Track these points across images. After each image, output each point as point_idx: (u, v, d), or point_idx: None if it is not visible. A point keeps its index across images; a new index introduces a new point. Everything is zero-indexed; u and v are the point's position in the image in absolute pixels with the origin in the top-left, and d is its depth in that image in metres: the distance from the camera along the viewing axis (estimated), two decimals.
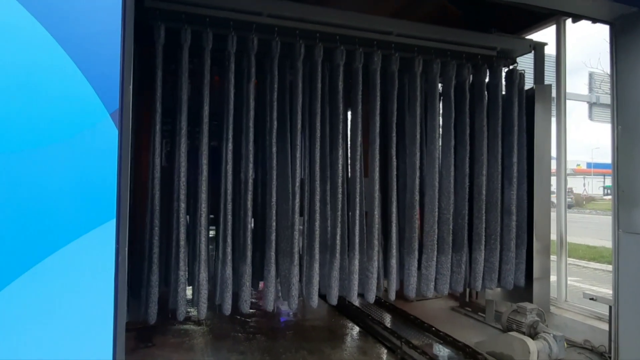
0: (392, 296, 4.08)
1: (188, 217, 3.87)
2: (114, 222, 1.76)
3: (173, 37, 3.47)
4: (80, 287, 1.72)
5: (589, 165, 38.70)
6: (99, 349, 1.80)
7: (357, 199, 3.93)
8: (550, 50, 4.95)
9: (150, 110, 3.46)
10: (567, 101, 4.98)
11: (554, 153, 4.80)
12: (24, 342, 1.70)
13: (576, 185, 36.94)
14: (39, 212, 1.66)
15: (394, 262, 4.02)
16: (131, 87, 1.97)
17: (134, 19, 2.04)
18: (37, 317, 1.71)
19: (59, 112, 1.70)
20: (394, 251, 4.04)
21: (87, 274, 1.72)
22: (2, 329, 1.66)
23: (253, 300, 5.40)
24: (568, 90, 4.98)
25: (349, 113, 4.16)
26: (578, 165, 38.27)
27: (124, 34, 1.91)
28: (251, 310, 5.23)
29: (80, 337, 1.76)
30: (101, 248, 1.73)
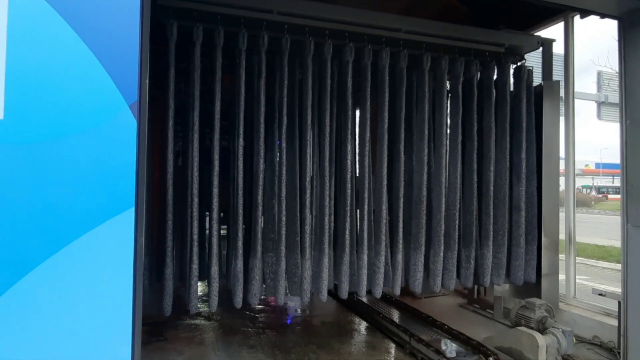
0: (397, 291, 4.11)
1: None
2: (132, 210, 1.82)
3: (185, 35, 3.54)
4: (101, 272, 1.79)
5: (597, 165, 38.33)
6: (118, 334, 1.86)
7: (366, 195, 3.97)
8: (559, 49, 4.96)
9: (163, 106, 3.52)
10: (576, 100, 4.97)
11: (562, 152, 4.80)
12: (46, 325, 1.77)
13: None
14: (65, 199, 1.74)
15: (399, 257, 4.05)
16: (147, 80, 2.05)
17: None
18: (59, 302, 1.77)
19: (82, 103, 1.78)
20: (400, 246, 4.07)
21: (107, 258, 1.79)
22: (26, 312, 1.72)
23: (263, 296, 5.48)
24: (577, 89, 4.96)
25: (358, 109, 4.21)
26: (586, 165, 37.92)
27: (142, 31, 1.98)
28: (260, 306, 5.30)
29: (100, 320, 1.83)
30: (121, 235, 1.80)
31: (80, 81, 1.79)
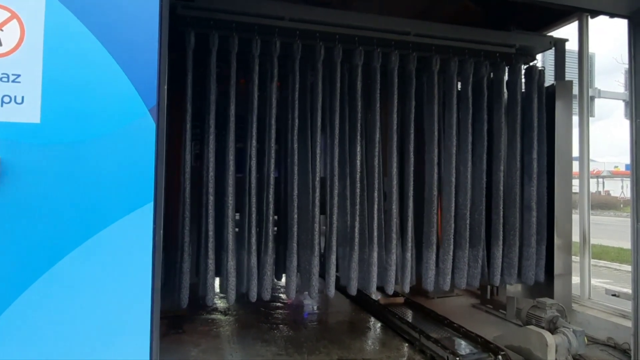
0: (407, 289, 4.20)
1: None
2: (152, 204, 2.00)
3: (202, 42, 3.74)
4: (122, 260, 1.97)
5: (627, 167, 36.85)
6: (137, 322, 2.04)
7: (375, 194, 4.08)
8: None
9: (181, 110, 3.73)
10: (604, 100, 4.94)
11: (576, 152, 4.77)
12: (74, 309, 1.95)
13: (614, 188, 35.43)
14: (93, 193, 1.95)
15: (409, 255, 4.13)
16: (166, 86, 2.23)
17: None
18: (87, 288, 1.96)
19: (107, 108, 1.99)
20: (410, 245, 4.15)
21: (129, 248, 1.98)
22: (57, 296, 1.92)
23: (278, 294, 5.64)
24: (604, 88, 4.94)
25: (368, 111, 4.31)
26: (616, 167, 36.61)
27: (161, 40, 2.16)
28: (274, 303, 5.46)
29: (122, 307, 2.01)
30: (141, 227, 1.98)
31: (105, 88, 1.99)
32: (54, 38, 1.98)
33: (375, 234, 4.06)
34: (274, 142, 3.85)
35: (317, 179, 3.95)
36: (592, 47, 4.89)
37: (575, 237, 4.76)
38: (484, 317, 5.07)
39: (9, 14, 1.96)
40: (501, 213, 4.31)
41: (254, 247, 3.79)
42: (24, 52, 1.96)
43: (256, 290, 3.81)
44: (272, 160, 3.84)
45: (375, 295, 5.52)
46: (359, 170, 4.03)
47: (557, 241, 4.55)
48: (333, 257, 3.91)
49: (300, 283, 4.00)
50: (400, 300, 5.46)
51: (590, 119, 4.79)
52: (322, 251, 4.12)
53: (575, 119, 4.86)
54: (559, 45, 4.76)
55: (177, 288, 3.69)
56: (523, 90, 4.55)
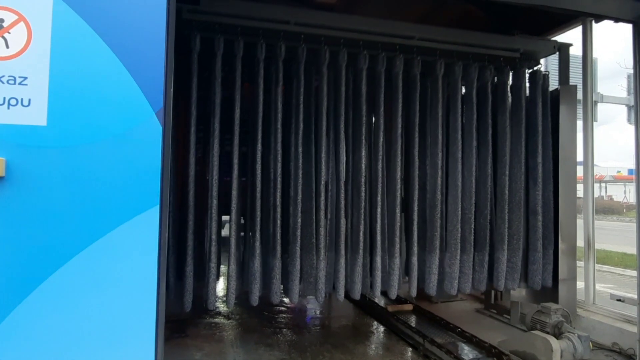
0: (413, 293, 4.18)
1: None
2: (158, 208, 1.99)
3: (207, 46, 3.75)
4: (128, 263, 1.96)
5: (630, 172, 36.81)
6: (142, 324, 2.02)
7: (379, 198, 4.07)
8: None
9: (186, 113, 3.73)
10: (608, 105, 4.92)
11: (580, 157, 4.75)
12: (78, 312, 1.94)
13: (616, 192, 35.39)
14: (99, 196, 1.94)
15: (415, 260, 4.12)
16: (172, 89, 2.23)
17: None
18: (93, 290, 1.95)
19: (114, 110, 1.98)
20: (415, 249, 4.14)
21: (135, 251, 1.97)
22: (62, 300, 1.91)
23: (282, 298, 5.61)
24: (609, 93, 4.91)
25: (372, 115, 4.32)
26: (619, 172, 36.55)
27: (167, 44, 2.16)
28: (278, 307, 5.44)
29: (127, 310, 2.00)
30: (147, 230, 1.97)
31: (112, 90, 1.99)
32: (61, 41, 1.98)
33: (379, 238, 4.05)
34: (280, 146, 3.85)
35: (322, 182, 3.94)
36: (594, 51, 4.87)
37: (580, 242, 4.74)
38: (489, 322, 5.04)
39: (16, 17, 1.96)
40: (506, 217, 4.29)
41: (257, 251, 3.78)
42: (30, 54, 1.96)
43: (258, 294, 3.80)
44: (278, 164, 3.84)
45: (379, 300, 5.48)
46: (363, 174, 4.02)
47: (561, 246, 4.53)
48: (342, 261, 3.90)
49: (304, 287, 3.98)
50: (409, 307, 5.38)
51: (579, 121, 4.78)
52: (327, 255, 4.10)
53: (579, 124, 4.85)
54: (563, 49, 4.76)
55: (180, 292, 3.68)
56: (527, 95, 4.55)
